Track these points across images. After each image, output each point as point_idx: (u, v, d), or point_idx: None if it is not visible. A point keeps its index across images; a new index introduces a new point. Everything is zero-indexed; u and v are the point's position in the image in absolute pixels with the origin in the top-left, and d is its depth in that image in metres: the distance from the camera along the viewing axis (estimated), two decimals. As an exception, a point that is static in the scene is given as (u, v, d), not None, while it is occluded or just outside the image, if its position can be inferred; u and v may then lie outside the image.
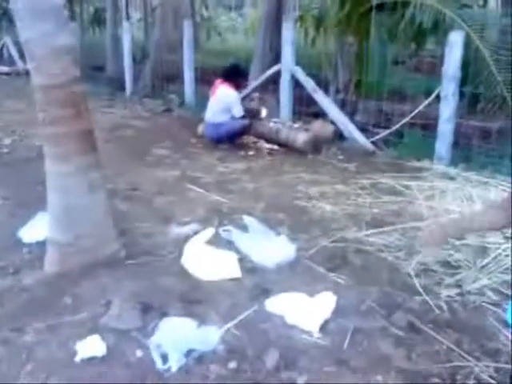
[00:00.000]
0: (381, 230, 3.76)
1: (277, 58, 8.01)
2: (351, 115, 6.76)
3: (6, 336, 2.48)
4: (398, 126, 6.24)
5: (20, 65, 15.07)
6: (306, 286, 2.99)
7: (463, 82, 5.52)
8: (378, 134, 6.41)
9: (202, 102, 7.27)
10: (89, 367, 2.26)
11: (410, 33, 6.51)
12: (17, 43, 16.74)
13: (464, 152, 5.56)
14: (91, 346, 2.32)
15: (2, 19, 19.38)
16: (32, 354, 2.35)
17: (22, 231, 3.57)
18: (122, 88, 10.49)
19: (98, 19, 23.90)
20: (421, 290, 2.94)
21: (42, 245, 3.27)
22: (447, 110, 5.48)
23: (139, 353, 2.35)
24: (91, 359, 2.29)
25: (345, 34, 7.33)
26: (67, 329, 2.53)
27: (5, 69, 14.66)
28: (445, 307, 2.79)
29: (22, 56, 15.86)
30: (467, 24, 5.60)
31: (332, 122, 6.50)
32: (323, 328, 2.59)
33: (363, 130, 6.45)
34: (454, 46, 5.32)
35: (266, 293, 2.90)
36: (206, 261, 3.14)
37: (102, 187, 3.20)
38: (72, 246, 3.05)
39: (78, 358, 2.29)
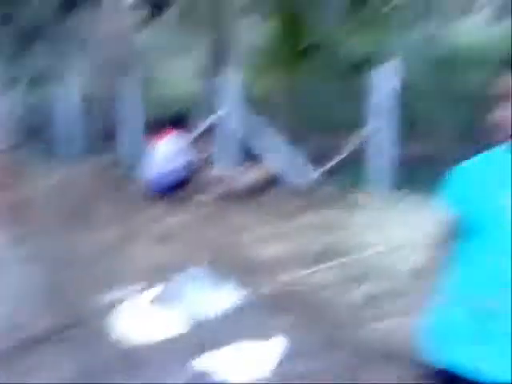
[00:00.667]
0: (323, 265, 3.80)
1: (217, 105, 8.13)
2: (294, 151, 6.84)
3: None
4: (337, 160, 6.35)
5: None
6: (252, 333, 2.96)
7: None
8: (319, 168, 6.49)
9: (143, 154, 7.24)
10: None
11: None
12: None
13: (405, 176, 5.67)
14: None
15: None
16: None
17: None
18: (59, 148, 10.34)
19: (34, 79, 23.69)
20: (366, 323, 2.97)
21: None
22: (383, 139, 5.62)
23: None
24: None
25: (285, 72, 7.53)
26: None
27: None
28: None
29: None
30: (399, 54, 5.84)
31: (272, 164, 6.57)
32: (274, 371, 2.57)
33: (306, 165, 6.51)
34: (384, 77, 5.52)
35: (209, 347, 2.84)
36: (143, 322, 3.08)
37: (34, 259, 3.11)
38: (5, 322, 2.93)
39: None
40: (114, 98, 9.47)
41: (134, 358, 2.79)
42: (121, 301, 3.46)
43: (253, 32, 14.27)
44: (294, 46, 7.70)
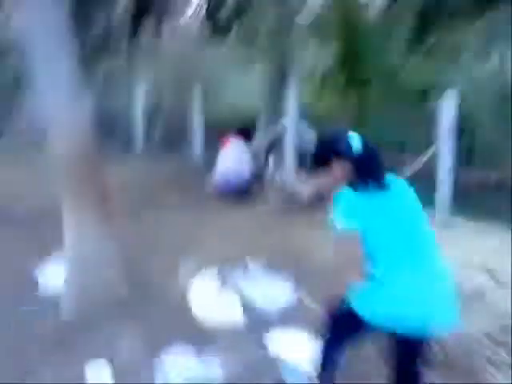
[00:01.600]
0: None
1: (281, 116, 8.37)
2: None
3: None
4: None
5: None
6: (307, 329, 3.11)
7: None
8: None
9: (212, 157, 7.58)
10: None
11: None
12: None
13: (463, 202, 5.70)
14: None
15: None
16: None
17: (39, 275, 3.77)
18: (134, 146, 10.97)
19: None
20: None
21: (58, 288, 3.45)
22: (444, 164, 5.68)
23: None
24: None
25: (347, 97, 7.67)
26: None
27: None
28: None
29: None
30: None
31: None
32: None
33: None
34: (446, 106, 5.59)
35: (266, 335, 3.02)
36: (209, 303, 3.31)
37: (114, 237, 3.42)
38: (86, 291, 3.23)
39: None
40: (185, 106, 9.94)
41: (202, 335, 3.02)
42: (192, 282, 3.73)
43: (315, 56, 14.53)
44: (357, 72, 7.83)
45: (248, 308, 3.35)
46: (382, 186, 1.92)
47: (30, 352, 2.87)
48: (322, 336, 2.19)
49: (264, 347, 2.90)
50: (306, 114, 7.64)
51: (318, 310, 3.36)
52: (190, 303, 3.38)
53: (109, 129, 12.77)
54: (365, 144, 1.95)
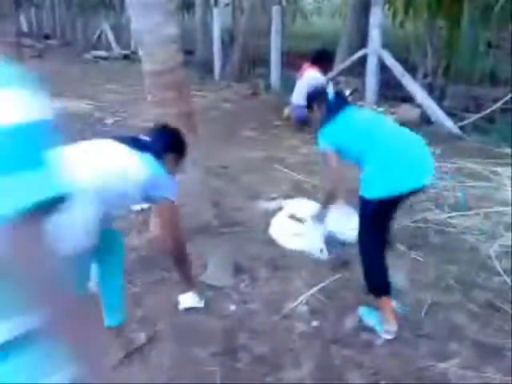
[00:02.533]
0: (464, 213, 3.81)
1: (364, 41, 8.02)
2: (439, 100, 6.68)
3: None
4: (488, 110, 6.10)
5: (116, 50, 16.07)
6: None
7: None
8: (466, 119, 6.30)
9: (288, 85, 7.46)
10: (189, 316, 2.59)
11: (506, 14, 6.28)
12: (114, 29, 17.82)
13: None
14: (192, 299, 2.64)
15: (99, 7, 20.51)
16: (141, 303, 2.73)
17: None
18: (211, 72, 10.93)
19: (186, 4, 24.68)
20: (501, 271, 3.01)
21: (147, 211, 3.66)
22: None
23: (232, 307, 2.66)
24: (191, 309, 2.62)
25: (435, 16, 7.20)
26: (170, 283, 2.88)
27: (103, 53, 15.70)
28: (525, 288, 2.85)
29: (118, 41, 16.89)
30: None
31: (419, 106, 6.47)
32: (401, 300, 2.74)
33: (451, 114, 6.36)
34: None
35: (346, 264, 3.10)
36: (291, 232, 3.39)
37: (200, 163, 3.52)
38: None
39: (180, 308, 2.62)
40: (265, 30, 9.70)
41: (278, 261, 3.14)
42: (266, 211, 3.83)
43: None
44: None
45: (329, 239, 3.38)
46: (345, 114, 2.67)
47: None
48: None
49: (346, 278, 2.97)
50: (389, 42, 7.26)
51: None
52: (273, 232, 3.47)
53: (187, 52, 12.87)
54: (336, 94, 2.90)
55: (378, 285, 2.49)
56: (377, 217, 2.48)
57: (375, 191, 2.43)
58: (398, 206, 2.55)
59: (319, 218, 3.21)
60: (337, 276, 2.98)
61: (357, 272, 3.01)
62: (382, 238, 2.55)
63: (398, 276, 2.94)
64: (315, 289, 2.83)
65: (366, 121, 2.72)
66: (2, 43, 5.60)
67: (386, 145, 2.52)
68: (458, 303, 2.72)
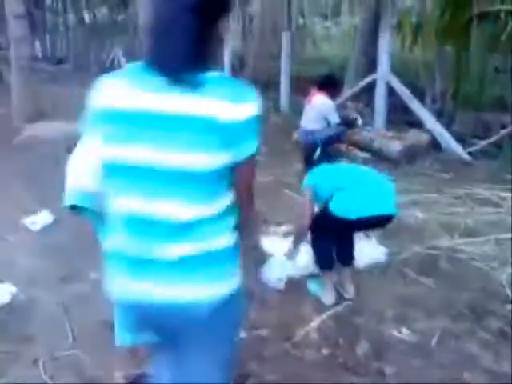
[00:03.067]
0: (474, 239, 3.80)
1: (372, 66, 8.12)
2: (448, 125, 6.71)
3: None
4: (498, 136, 6.12)
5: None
6: (396, 287, 3.14)
7: None
8: (476, 144, 6.32)
9: (297, 109, 7.53)
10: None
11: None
12: (126, 53, 18.16)
13: None
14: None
15: (112, 32, 20.95)
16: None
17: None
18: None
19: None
20: (513, 299, 2.99)
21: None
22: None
23: (242, 333, 2.65)
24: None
25: (443, 42, 7.29)
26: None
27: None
28: (538, 317, 2.83)
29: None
30: None
31: (428, 132, 6.50)
32: (412, 327, 2.73)
33: (460, 140, 6.38)
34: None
35: (356, 290, 3.09)
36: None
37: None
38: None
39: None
40: (275, 54, 9.85)
41: (287, 284, 3.15)
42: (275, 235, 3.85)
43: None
44: (459, 13, 7.28)
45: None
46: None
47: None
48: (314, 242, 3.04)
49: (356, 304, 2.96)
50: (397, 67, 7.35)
51: (407, 270, 3.37)
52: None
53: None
54: None
55: (324, 261, 3.03)
56: (334, 229, 2.93)
57: (342, 211, 2.80)
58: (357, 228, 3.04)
59: (291, 255, 3.24)
60: (347, 302, 2.97)
61: (368, 298, 3.02)
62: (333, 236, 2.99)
63: (407, 302, 2.95)
64: (326, 315, 2.83)
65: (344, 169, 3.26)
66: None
67: (355, 181, 2.96)
68: (469, 331, 2.70)
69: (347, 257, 3.10)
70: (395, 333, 2.69)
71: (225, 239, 1.25)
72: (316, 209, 3.07)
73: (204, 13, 1.15)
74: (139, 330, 1.55)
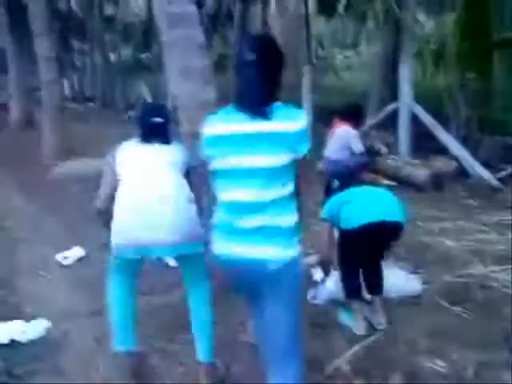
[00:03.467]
0: (507, 266, 3.72)
1: (394, 95, 8.16)
2: (474, 151, 6.66)
3: (160, 345, 2.91)
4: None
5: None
6: (429, 317, 3.09)
7: None
8: (503, 169, 6.24)
9: (320, 139, 7.56)
10: (230, 374, 2.58)
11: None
12: (151, 90, 18.63)
13: None
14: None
15: (137, 70, 21.55)
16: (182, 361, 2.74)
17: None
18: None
19: (221, 65, 25.69)
20: (550, 328, 2.90)
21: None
22: None
23: None
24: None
25: (466, 68, 7.30)
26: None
27: (140, 114, 16.34)
28: None
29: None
30: None
31: (454, 159, 6.46)
32: (447, 359, 2.68)
33: (487, 165, 6.32)
34: None
35: (388, 321, 3.05)
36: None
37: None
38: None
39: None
40: (295, 85, 9.96)
41: (319, 316, 3.12)
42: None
43: (429, 25, 13.69)
44: (479, 40, 7.30)
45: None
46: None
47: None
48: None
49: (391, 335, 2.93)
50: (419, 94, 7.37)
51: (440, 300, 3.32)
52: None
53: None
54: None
55: (351, 290, 3.08)
56: (352, 243, 3.00)
57: (346, 222, 2.98)
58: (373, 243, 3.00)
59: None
60: (380, 334, 2.93)
61: (400, 329, 2.98)
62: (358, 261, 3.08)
63: (441, 332, 2.89)
64: (358, 347, 2.79)
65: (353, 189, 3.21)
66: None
67: (359, 195, 3.11)
68: (506, 362, 2.63)
69: (375, 285, 3.11)
70: (429, 364, 2.64)
71: (290, 217, 1.83)
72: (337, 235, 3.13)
73: (274, 72, 1.87)
74: (236, 289, 2.10)
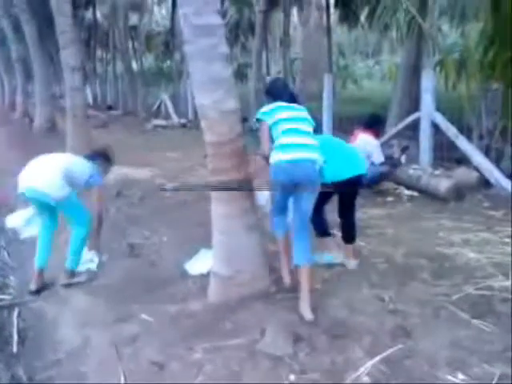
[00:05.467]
0: (530, 279, 3.66)
1: (415, 104, 8.10)
2: (497, 161, 6.56)
3: (180, 353, 2.93)
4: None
5: (175, 119, 16.92)
6: (449, 330, 3.05)
7: None
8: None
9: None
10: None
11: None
12: (172, 99, 18.84)
13: None
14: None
15: (159, 78, 21.78)
16: (201, 370, 2.76)
17: (187, 265, 4.12)
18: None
19: (241, 74, 25.89)
20: None
21: (205, 277, 3.75)
22: None
23: (292, 376, 2.64)
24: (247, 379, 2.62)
25: (489, 78, 7.21)
26: (229, 350, 2.90)
27: (162, 122, 16.57)
28: None
29: (176, 110, 17.80)
30: None
31: (476, 169, 6.38)
32: (468, 372, 2.64)
33: (510, 176, 6.22)
34: None
35: (408, 333, 3.02)
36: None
37: (257, 228, 3.61)
38: (232, 280, 3.48)
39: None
40: (316, 94, 9.98)
41: (337, 328, 3.11)
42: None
43: (452, 34, 13.55)
44: (503, 49, 7.19)
45: (389, 307, 3.32)
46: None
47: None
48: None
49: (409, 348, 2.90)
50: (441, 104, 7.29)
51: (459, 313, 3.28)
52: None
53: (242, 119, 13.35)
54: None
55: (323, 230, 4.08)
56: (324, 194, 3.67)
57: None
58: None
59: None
60: (399, 345, 2.90)
61: (420, 342, 2.94)
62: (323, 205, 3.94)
63: (462, 345, 2.85)
64: (377, 359, 2.77)
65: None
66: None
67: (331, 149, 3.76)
68: (529, 377, 2.58)
69: (351, 236, 4.05)
70: (450, 378, 2.60)
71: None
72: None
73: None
74: (287, 188, 3.32)
